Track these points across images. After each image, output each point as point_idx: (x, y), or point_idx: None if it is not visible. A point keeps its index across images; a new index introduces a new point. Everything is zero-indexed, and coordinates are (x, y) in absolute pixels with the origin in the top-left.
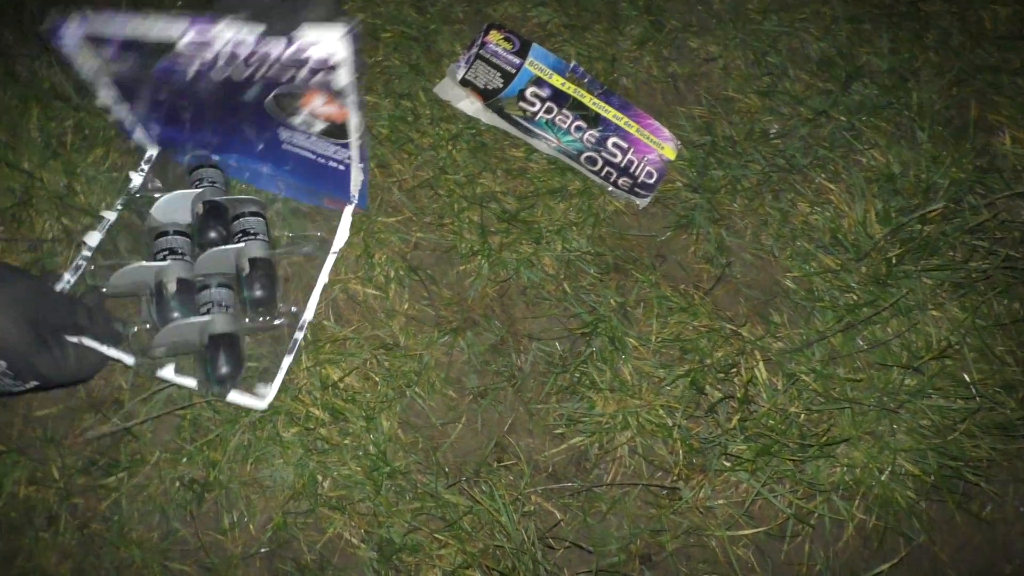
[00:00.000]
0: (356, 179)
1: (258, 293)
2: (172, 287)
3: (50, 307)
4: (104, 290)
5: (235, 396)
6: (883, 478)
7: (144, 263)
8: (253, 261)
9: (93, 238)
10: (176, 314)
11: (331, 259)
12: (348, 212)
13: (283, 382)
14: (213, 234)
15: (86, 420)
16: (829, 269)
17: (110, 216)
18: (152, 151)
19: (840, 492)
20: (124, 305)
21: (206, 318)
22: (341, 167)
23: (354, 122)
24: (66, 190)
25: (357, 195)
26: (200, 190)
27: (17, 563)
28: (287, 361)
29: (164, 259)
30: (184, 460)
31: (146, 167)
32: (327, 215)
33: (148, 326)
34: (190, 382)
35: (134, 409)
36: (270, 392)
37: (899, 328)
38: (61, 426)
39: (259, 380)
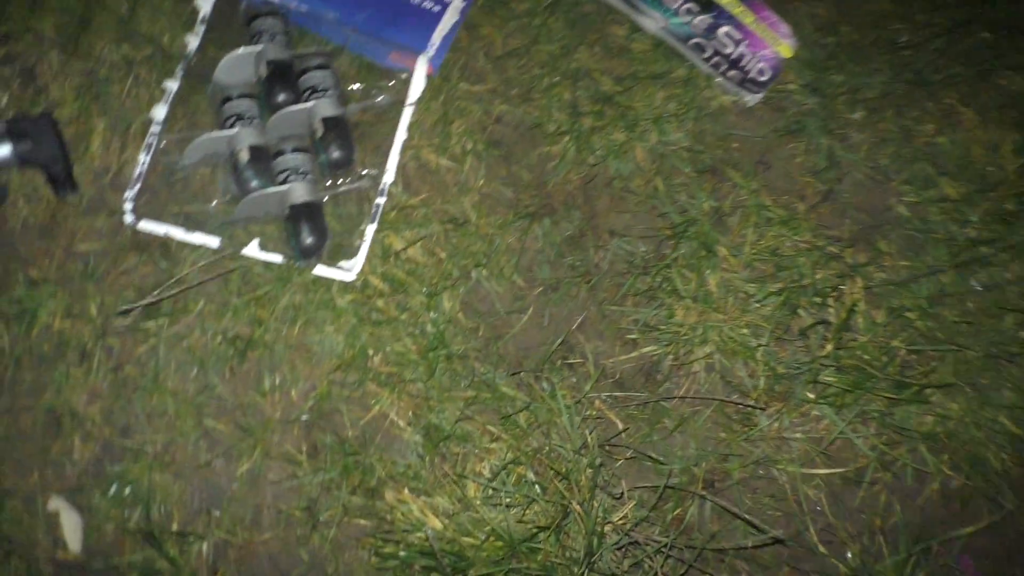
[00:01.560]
0: (449, 20)
1: (335, 155)
2: (245, 156)
3: None
4: (180, 166)
5: (322, 269)
6: (979, 434)
7: (213, 133)
8: (326, 120)
9: (159, 111)
10: (254, 183)
11: (408, 112)
12: (422, 62)
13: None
14: (282, 96)
15: (129, 259)
16: (949, 199)
17: (172, 86)
18: (206, 8)
19: (929, 443)
20: (203, 180)
21: (285, 187)
22: (437, 7)
23: None
24: (129, 14)
25: (438, 43)
26: (261, 47)
27: (46, 396)
28: (371, 230)
29: (233, 126)
30: (229, 314)
31: (202, 27)
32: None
33: (228, 198)
34: (276, 258)
35: (181, 255)
36: (356, 263)
37: (1020, 273)
38: (103, 263)
39: (341, 249)
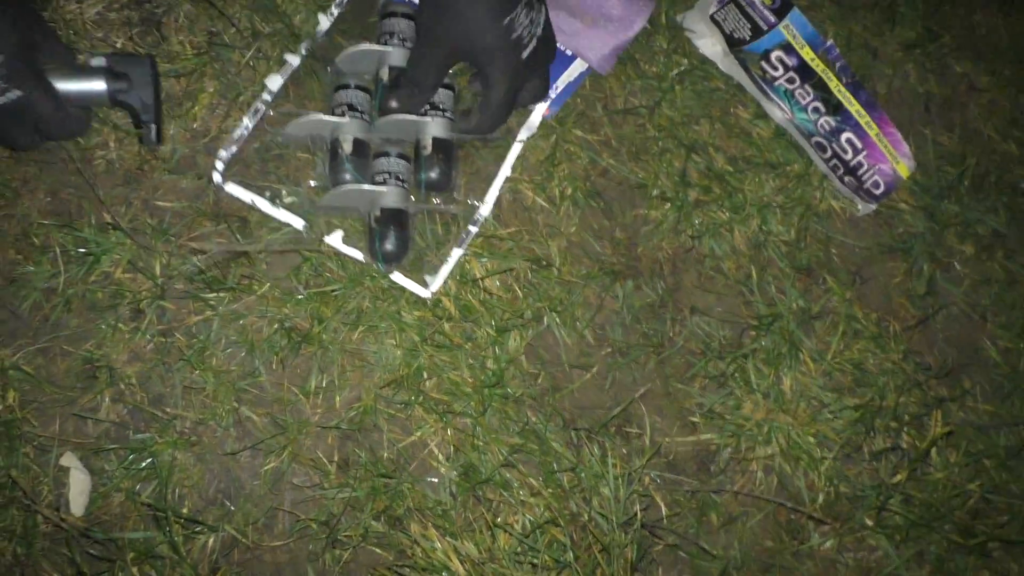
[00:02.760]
0: (577, 68)
1: (434, 176)
2: (348, 147)
3: (47, 36)
4: (279, 139)
5: (400, 278)
6: None
7: (321, 116)
8: (435, 140)
9: (275, 82)
10: (348, 176)
11: (516, 149)
12: (542, 103)
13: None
14: (396, 103)
15: (205, 226)
16: None
17: (294, 61)
18: None
19: None
20: (295, 164)
21: (381, 189)
22: (570, 51)
23: None
24: None
25: (562, 87)
26: (389, 49)
27: (87, 346)
28: (456, 253)
29: (343, 115)
30: (292, 303)
31: (336, 11)
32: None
33: (319, 185)
34: (357, 254)
35: (257, 234)
36: (435, 282)
37: None
38: (178, 224)
39: (421, 264)
